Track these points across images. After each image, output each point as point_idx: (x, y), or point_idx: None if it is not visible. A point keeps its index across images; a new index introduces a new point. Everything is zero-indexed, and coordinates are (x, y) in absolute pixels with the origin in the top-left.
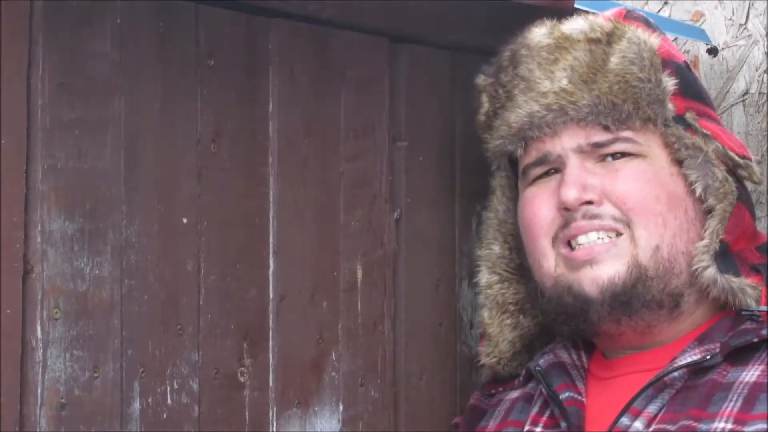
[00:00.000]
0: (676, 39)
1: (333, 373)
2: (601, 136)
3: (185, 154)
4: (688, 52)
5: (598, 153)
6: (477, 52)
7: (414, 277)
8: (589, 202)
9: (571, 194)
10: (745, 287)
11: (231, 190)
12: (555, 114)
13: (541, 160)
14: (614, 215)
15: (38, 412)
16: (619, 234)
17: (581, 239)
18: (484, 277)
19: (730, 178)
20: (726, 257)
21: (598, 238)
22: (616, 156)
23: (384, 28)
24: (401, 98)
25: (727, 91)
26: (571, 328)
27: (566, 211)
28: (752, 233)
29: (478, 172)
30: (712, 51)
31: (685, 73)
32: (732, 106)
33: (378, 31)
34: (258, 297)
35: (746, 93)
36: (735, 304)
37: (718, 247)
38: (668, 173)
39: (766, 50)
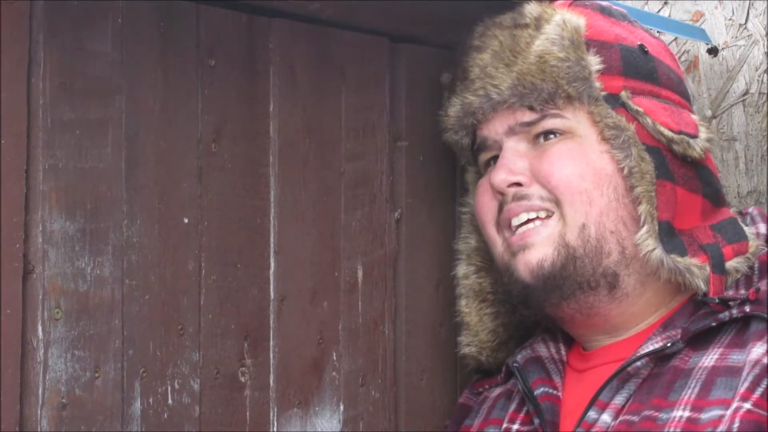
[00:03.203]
0: (676, 39)
1: (333, 373)
2: (529, 116)
3: (186, 154)
4: (687, 52)
5: (530, 133)
6: None
7: (414, 277)
8: (518, 184)
9: (498, 177)
10: (690, 266)
11: (232, 190)
12: (481, 99)
13: (482, 146)
14: (541, 195)
15: (39, 412)
16: (549, 214)
17: (514, 221)
18: (462, 268)
19: (648, 158)
20: (672, 237)
21: (528, 219)
22: (547, 137)
23: (384, 28)
24: (401, 98)
25: (727, 91)
26: (519, 317)
27: (500, 195)
28: (705, 211)
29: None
30: (712, 51)
31: (633, 55)
32: (732, 106)
33: (378, 31)
34: (259, 297)
35: (746, 93)
36: (685, 284)
37: (657, 228)
38: (597, 151)
39: (766, 50)
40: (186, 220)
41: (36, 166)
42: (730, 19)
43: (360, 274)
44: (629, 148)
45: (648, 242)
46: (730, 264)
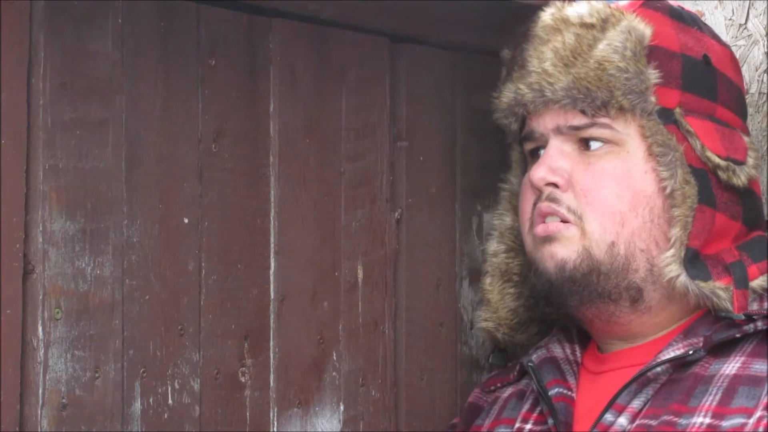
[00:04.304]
0: None
1: (334, 373)
2: (579, 120)
3: (186, 154)
4: None
5: (577, 136)
6: (477, 52)
7: (415, 277)
8: (555, 185)
9: (538, 173)
10: (716, 290)
11: (232, 190)
12: (535, 94)
13: (528, 137)
14: (570, 206)
15: (39, 412)
16: (570, 224)
17: (547, 219)
18: (492, 245)
19: (693, 181)
20: (696, 262)
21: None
22: (595, 144)
23: (384, 28)
24: (402, 98)
25: None
26: (541, 314)
27: (537, 191)
28: (739, 235)
29: (479, 172)
30: None
31: (695, 67)
32: None
33: (378, 31)
34: (259, 297)
35: (746, 93)
36: (713, 306)
37: (683, 254)
38: (642, 170)
39: (766, 50)
40: (186, 220)
41: (36, 166)
42: (730, 19)
43: (360, 274)
44: (675, 168)
45: (672, 267)
46: (756, 283)
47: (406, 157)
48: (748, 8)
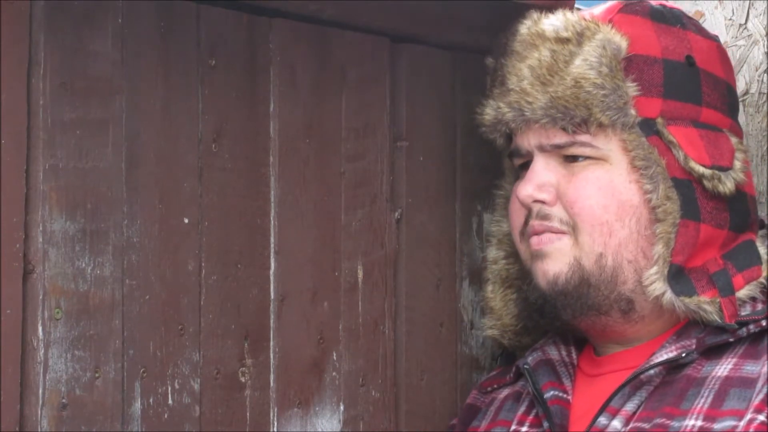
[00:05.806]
0: None
1: (334, 373)
2: (560, 138)
3: (186, 154)
4: None
5: (560, 153)
6: (477, 52)
7: (415, 277)
8: (543, 202)
9: (524, 191)
10: (701, 305)
11: (232, 190)
12: (515, 113)
13: (515, 153)
14: (562, 218)
15: (39, 412)
16: (564, 234)
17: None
18: (492, 252)
19: (675, 195)
20: (681, 278)
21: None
22: (578, 158)
23: (385, 28)
24: (402, 98)
25: None
26: (534, 324)
27: (526, 208)
28: (726, 242)
29: (479, 172)
30: None
31: (676, 72)
32: None
33: (379, 30)
34: (259, 297)
35: (746, 93)
36: (701, 319)
37: (667, 270)
38: (626, 180)
39: (766, 50)
40: (186, 220)
41: (36, 166)
42: (730, 19)
43: (360, 274)
44: (658, 182)
45: (656, 285)
46: (742, 293)
47: (406, 157)
48: (748, 8)
